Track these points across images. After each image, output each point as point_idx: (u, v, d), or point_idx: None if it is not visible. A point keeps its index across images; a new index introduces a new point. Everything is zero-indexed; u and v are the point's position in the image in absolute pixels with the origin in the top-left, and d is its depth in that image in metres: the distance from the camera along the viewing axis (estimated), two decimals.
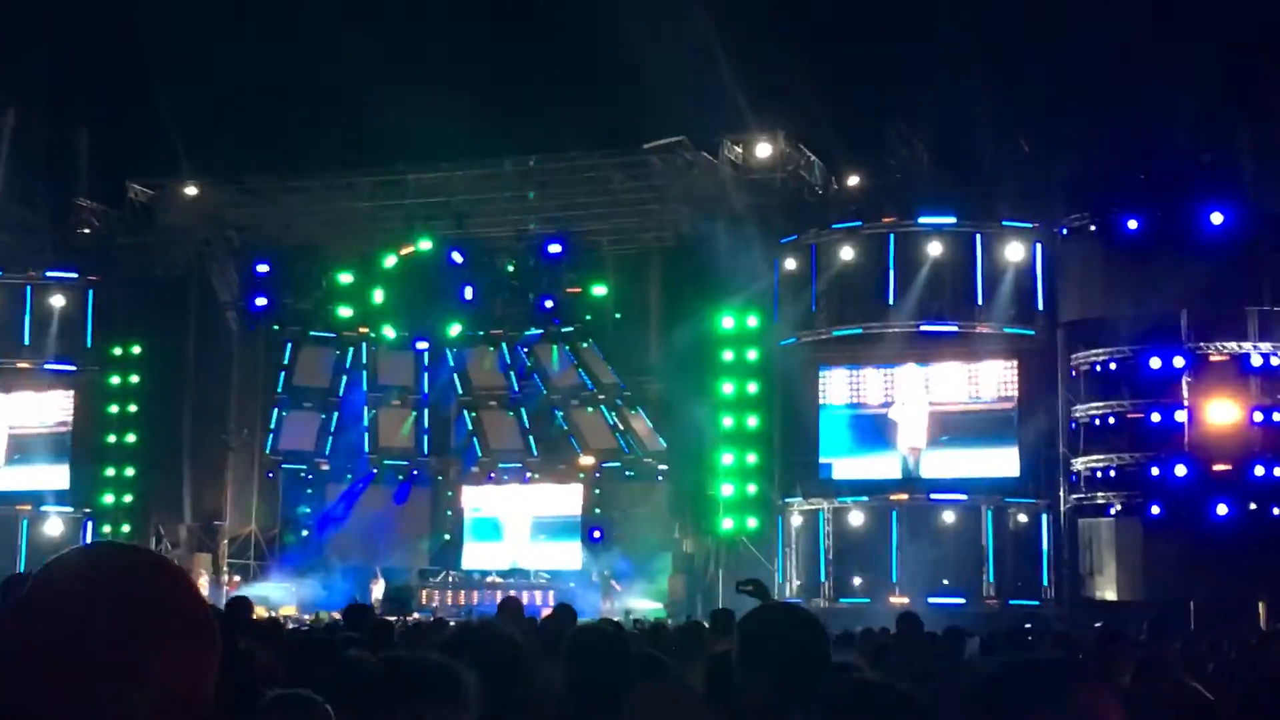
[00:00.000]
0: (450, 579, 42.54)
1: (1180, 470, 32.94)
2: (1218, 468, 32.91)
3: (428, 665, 4.39)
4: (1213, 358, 33.40)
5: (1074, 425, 34.76)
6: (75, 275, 41.62)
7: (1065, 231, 35.30)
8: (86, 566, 2.20)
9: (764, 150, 37.80)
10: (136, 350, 41.21)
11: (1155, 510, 33.21)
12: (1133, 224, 33.79)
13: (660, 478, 41.84)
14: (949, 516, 35.08)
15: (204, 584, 38.57)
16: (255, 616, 25.73)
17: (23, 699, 2.08)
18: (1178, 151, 34.07)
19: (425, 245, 42.18)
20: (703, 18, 36.29)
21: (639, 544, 40.69)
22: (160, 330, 41.40)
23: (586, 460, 44.66)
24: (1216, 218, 32.99)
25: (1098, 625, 25.54)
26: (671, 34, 37.18)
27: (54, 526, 41.14)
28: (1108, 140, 34.36)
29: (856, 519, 35.74)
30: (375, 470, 45.92)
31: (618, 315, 42.91)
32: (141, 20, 42.31)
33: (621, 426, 44.40)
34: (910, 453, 35.83)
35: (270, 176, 41.29)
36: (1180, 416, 33.37)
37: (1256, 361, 33.18)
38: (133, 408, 41.12)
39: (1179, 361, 33.22)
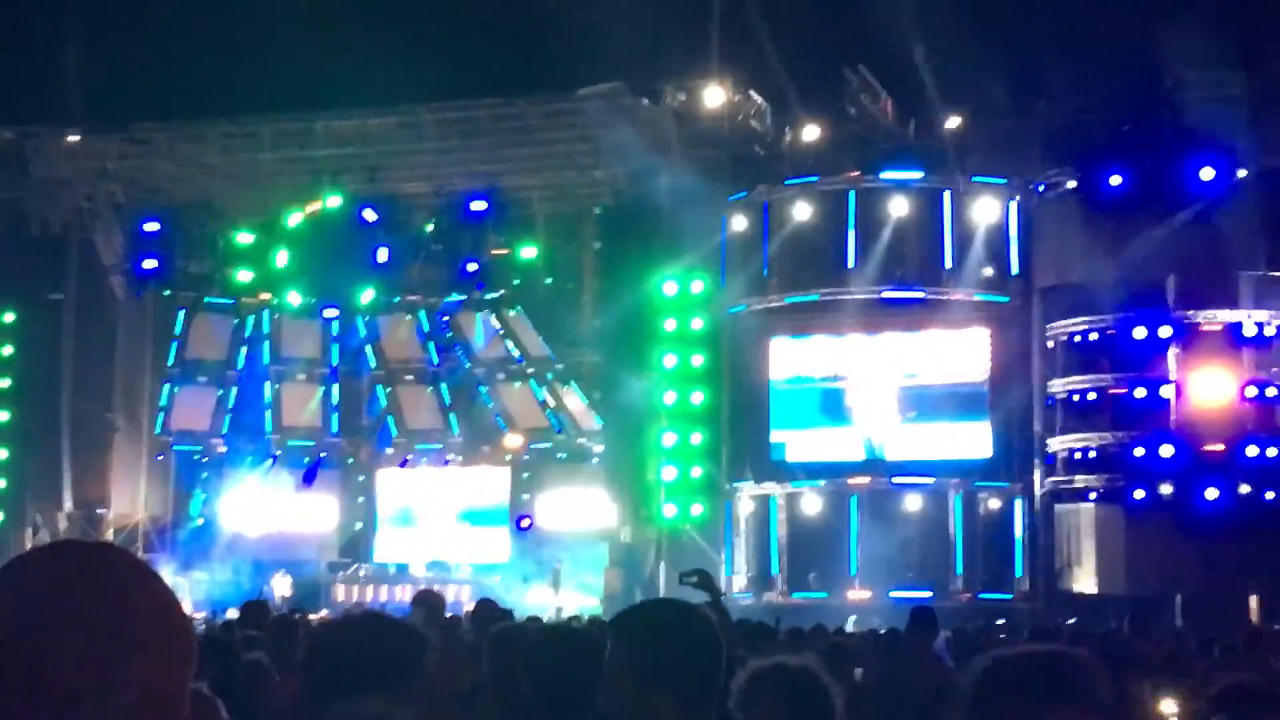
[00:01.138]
0: (362, 573, 42.44)
1: (1166, 451, 33.17)
2: (1207, 448, 33.17)
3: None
4: (1202, 327, 33.66)
5: (1051, 401, 34.96)
6: None
7: (1042, 189, 35.45)
8: (49, 568, 2.22)
9: (711, 98, 37.75)
10: (8, 318, 41.08)
11: (1139, 495, 33.44)
12: (1115, 180, 33.97)
13: (596, 460, 41.85)
14: (914, 502, 35.26)
15: None
16: None
17: None
18: (1165, 102, 34.23)
19: (334, 202, 42.07)
20: None
21: (572, 533, 40.72)
22: (36, 295, 41.25)
23: (514, 441, 44.58)
24: (1206, 174, 33.22)
25: (1071, 621, 25.81)
26: None
27: None
28: (1088, 90, 34.49)
29: (812, 505, 35.84)
30: (278, 452, 45.62)
31: (549, 280, 42.86)
32: None
33: (553, 403, 44.34)
34: (874, 432, 35.91)
35: (161, 123, 40.92)
36: (1166, 392, 33.63)
37: (1249, 331, 33.47)
38: (5, 382, 41.06)
39: (1165, 331, 33.47)
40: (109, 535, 41.79)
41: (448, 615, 12.86)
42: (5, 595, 2.20)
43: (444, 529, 43.88)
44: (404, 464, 45.48)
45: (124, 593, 2.20)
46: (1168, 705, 11.06)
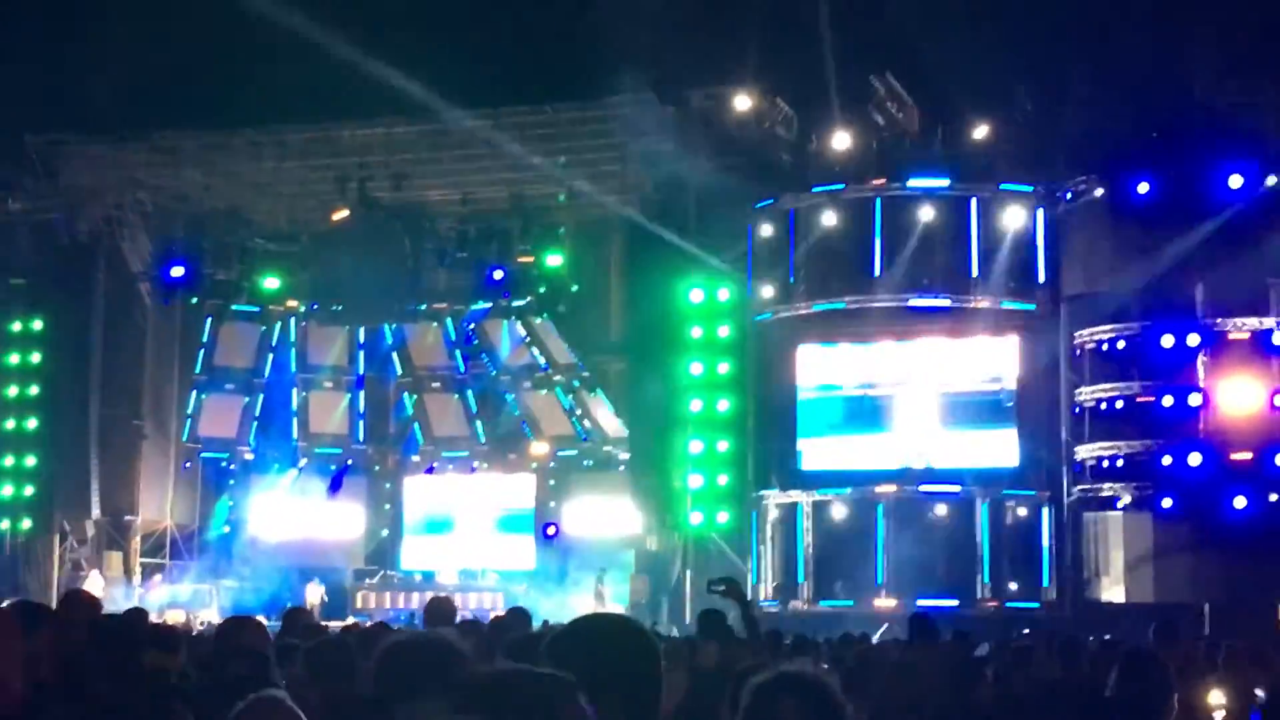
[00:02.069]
0: (389, 580, 42.54)
1: (1195, 459, 33.16)
2: (1236, 456, 33.13)
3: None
4: (1231, 335, 33.65)
5: (1078, 410, 34.92)
6: None
7: (1069, 196, 35.42)
8: None
9: (738, 105, 37.76)
10: (38, 325, 41.27)
11: (1167, 503, 33.42)
12: (1143, 187, 33.98)
13: (622, 467, 41.91)
14: (940, 510, 35.24)
15: (115, 584, 38.60)
16: (171, 623, 25.66)
17: None
18: (1193, 107, 34.20)
19: (361, 209, 42.19)
20: None
21: (598, 541, 40.83)
22: (64, 303, 41.39)
23: (540, 448, 44.70)
24: (1235, 180, 33.20)
25: (1106, 639, 25.76)
26: None
27: None
28: (1116, 95, 34.44)
29: (838, 513, 35.85)
30: (304, 460, 45.80)
31: (575, 287, 42.87)
32: None
33: (579, 411, 44.42)
34: (914, 439, 35.79)
35: (188, 132, 41.02)
36: (1195, 400, 33.61)
37: (1279, 339, 33.40)
38: (34, 390, 41.20)
39: (1193, 339, 33.46)
40: (136, 542, 42.10)
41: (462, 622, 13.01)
42: None
43: (471, 536, 44.00)
44: (430, 471, 45.62)
45: None
46: (1215, 697, 11.25)
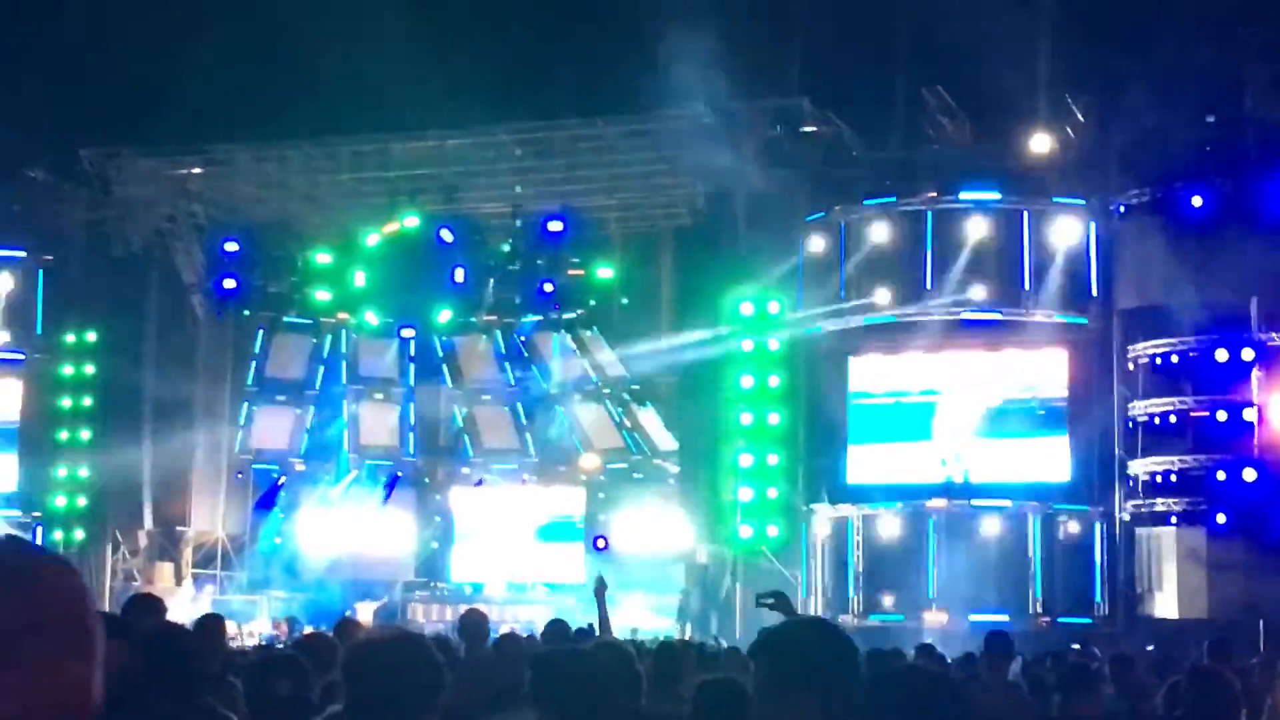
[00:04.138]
0: (438, 592, 42.70)
1: (1249, 475, 33.03)
2: None
3: None
4: None
5: (1131, 424, 34.83)
6: (23, 253, 41.69)
7: (1122, 209, 35.35)
8: None
9: (789, 118, 37.83)
10: (91, 337, 41.30)
11: (1221, 519, 33.30)
12: (1197, 201, 33.89)
13: (671, 480, 41.97)
14: (992, 524, 35.16)
15: (166, 595, 38.77)
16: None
17: None
18: (1247, 120, 34.09)
19: (412, 222, 42.39)
20: None
21: (647, 554, 40.86)
22: (118, 315, 41.52)
23: (590, 461, 44.79)
24: None
25: (1149, 649, 25.71)
26: None
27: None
28: (1169, 108, 34.33)
29: (889, 527, 35.84)
30: (356, 471, 46.01)
31: (625, 300, 43.04)
32: None
33: (629, 424, 44.55)
34: (955, 451, 35.80)
35: (241, 144, 41.24)
36: (1249, 415, 33.51)
37: None
38: (87, 401, 41.26)
39: (1248, 354, 33.34)
40: (188, 553, 42.38)
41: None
42: None
43: (520, 549, 44.11)
44: (479, 484, 45.80)
45: (8, 598, 2.18)
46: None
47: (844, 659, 4.49)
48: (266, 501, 44.48)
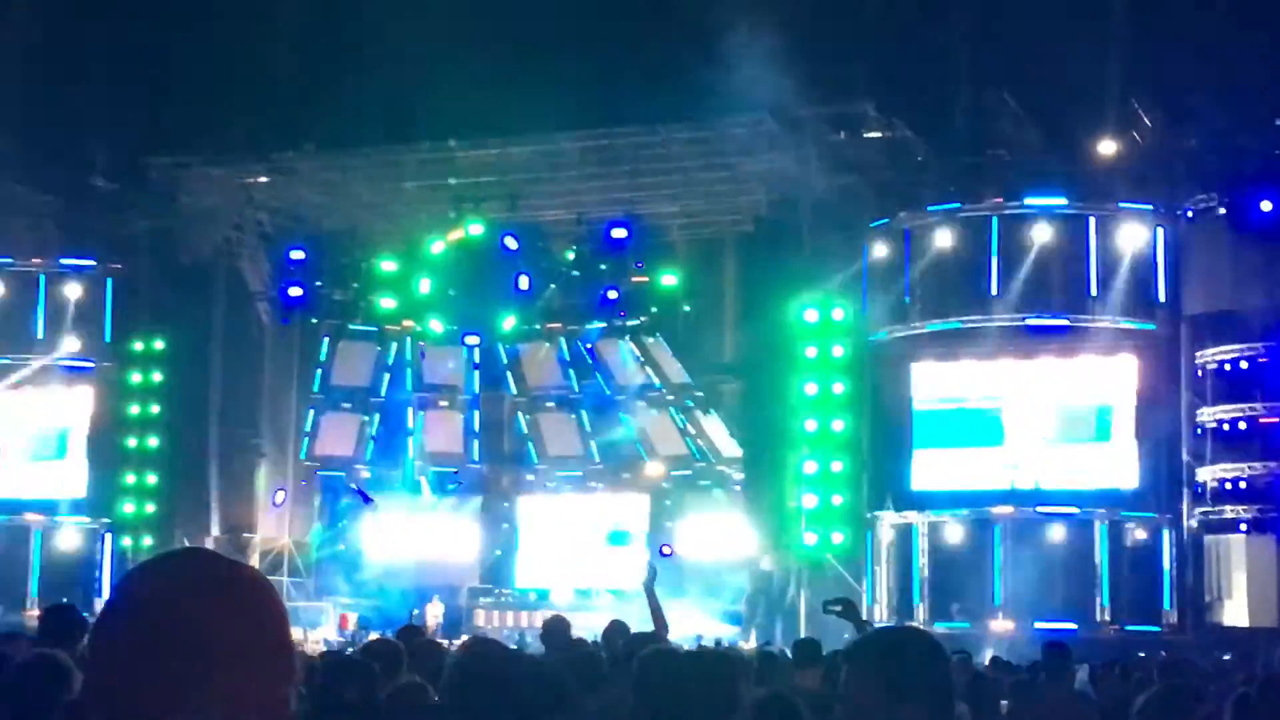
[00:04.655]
0: (503, 598, 42.80)
1: None
2: None
3: None
4: None
5: (1199, 430, 34.59)
6: (93, 263, 42.06)
7: (1190, 214, 35.14)
8: (156, 580, 2.38)
9: (852, 123, 37.74)
10: (159, 345, 41.63)
11: None
12: (1266, 205, 33.64)
13: (736, 487, 41.95)
14: (1058, 531, 34.99)
15: None
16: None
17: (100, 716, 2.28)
18: None
19: (476, 230, 42.48)
20: None
21: (711, 561, 40.86)
22: (185, 323, 41.76)
23: (654, 468, 44.84)
24: None
25: (1226, 658, 25.50)
26: None
27: (69, 539, 41.68)
28: (1237, 112, 34.10)
29: (954, 534, 35.73)
30: (421, 478, 46.22)
31: (688, 307, 43.02)
32: None
33: (693, 430, 44.56)
34: (1024, 457, 35.61)
35: (305, 154, 41.37)
36: None
37: None
38: (155, 408, 41.58)
39: None
40: (255, 560, 42.57)
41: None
42: (111, 612, 2.36)
43: (585, 555, 44.20)
44: (546, 489, 46.02)
45: (200, 613, 2.28)
46: None
47: (946, 668, 4.54)
48: (365, 499, 44.86)
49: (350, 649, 21.27)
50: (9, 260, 42.16)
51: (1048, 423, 35.72)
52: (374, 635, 25.01)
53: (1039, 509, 35.06)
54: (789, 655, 17.07)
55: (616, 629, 13.23)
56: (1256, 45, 33.94)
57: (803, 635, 32.19)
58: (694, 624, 36.35)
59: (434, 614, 38.83)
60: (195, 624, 2.27)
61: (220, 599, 2.32)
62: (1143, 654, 26.08)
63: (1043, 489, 35.26)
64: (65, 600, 16.43)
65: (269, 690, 2.32)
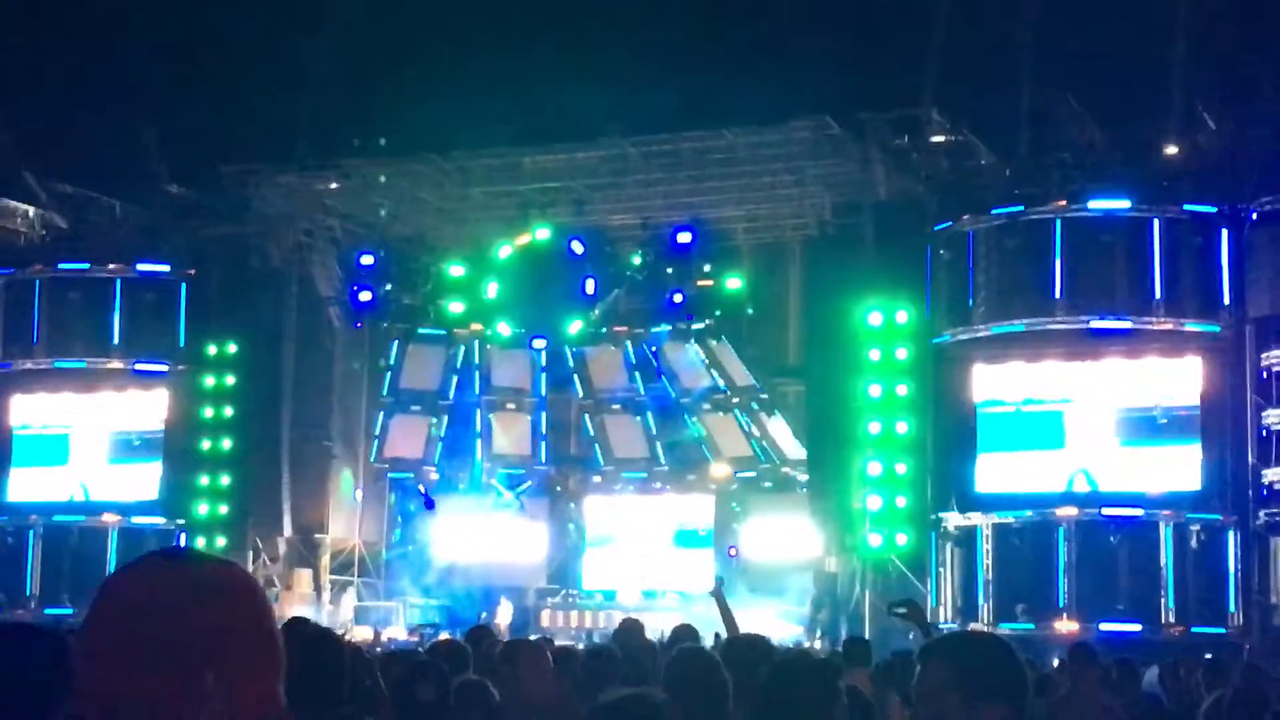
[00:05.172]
0: (570, 599, 43.03)
1: None
2: None
3: None
4: None
5: (1265, 432, 34.45)
6: (168, 269, 42.47)
7: (1255, 216, 34.95)
8: (143, 582, 2.39)
9: (915, 127, 37.81)
10: (232, 349, 41.91)
11: None
12: None
13: (801, 489, 42.04)
14: (1123, 533, 34.86)
15: (305, 602, 39.53)
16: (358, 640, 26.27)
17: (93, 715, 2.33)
18: None
19: (543, 235, 42.79)
20: None
21: (776, 562, 41.00)
22: (257, 327, 42.19)
23: (720, 470, 44.98)
24: None
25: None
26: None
27: (145, 540, 41.98)
28: None
29: (1019, 535, 35.66)
30: (489, 480, 46.52)
31: (752, 310, 43.17)
32: None
33: (758, 432, 44.69)
34: (1088, 459, 35.54)
35: (375, 160, 41.79)
36: None
37: None
38: (228, 411, 41.88)
39: None
40: (325, 560, 43.05)
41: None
42: (99, 611, 2.36)
43: (652, 556, 44.38)
44: (613, 491, 46.21)
45: (190, 614, 2.29)
46: None
47: (1021, 668, 4.69)
48: (428, 504, 45.20)
49: (419, 649, 21.58)
50: (85, 266, 42.56)
51: (1110, 424, 35.65)
52: (444, 635, 25.33)
53: (1103, 511, 34.98)
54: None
55: (682, 633, 13.39)
56: None
57: (867, 636, 32.34)
58: (759, 626, 36.43)
59: (504, 615, 39.10)
60: (185, 625, 2.27)
61: (208, 598, 2.33)
62: (1209, 655, 26.10)
63: (1107, 491, 35.18)
64: None
65: (261, 687, 2.34)
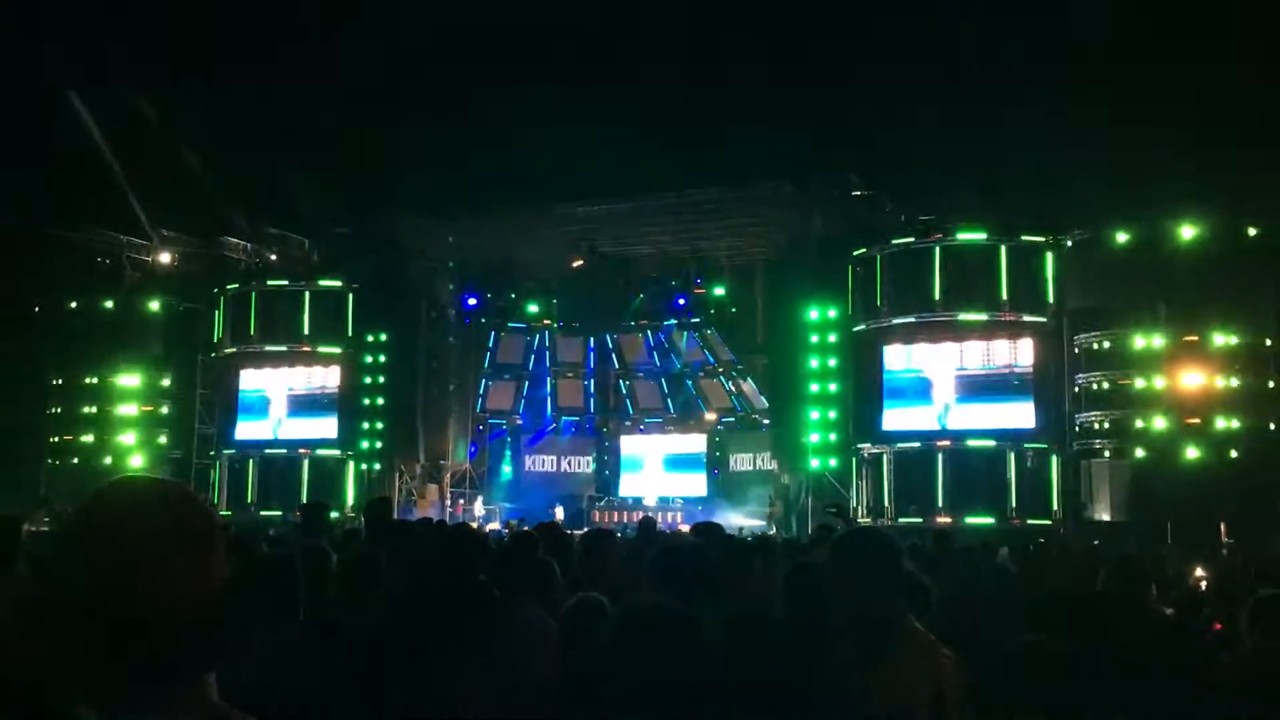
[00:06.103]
0: (611, 503, 43.29)
1: (1159, 423, 32.52)
2: (1188, 421, 32.37)
3: None
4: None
5: (1076, 389, 34.38)
6: (339, 284, 42.42)
7: (1070, 244, 34.79)
8: (107, 501, 2.13)
9: (842, 186, 37.75)
10: (384, 337, 41.73)
11: (1139, 454, 32.82)
12: (1120, 238, 33.45)
13: (764, 429, 42.17)
14: (980, 457, 34.74)
15: (433, 506, 39.76)
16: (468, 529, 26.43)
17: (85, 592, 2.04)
18: None
19: (590, 259, 42.97)
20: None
21: (748, 477, 41.21)
22: (400, 323, 41.98)
23: (710, 416, 45.23)
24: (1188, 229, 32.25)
25: (1095, 543, 25.47)
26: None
27: (326, 465, 42.20)
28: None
29: (910, 459, 35.59)
30: (555, 424, 46.87)
31: (733, 309, 43.29)
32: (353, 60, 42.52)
33: (735, 391, 44.89)
34: (942, 408, 35.40)
35: (481, 210, 41.54)
36: (1159, 383, 32.99)
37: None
38: (381, 379, 41.70)
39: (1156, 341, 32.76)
40: (447, 478, 43.16)
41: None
42: (83, 521, 2.09)
43: (662, 474, 44.68)
44: (639, 431, 46.16)
45: (166, 515, 2.07)
46: None
47: (890, 545, 4.61)
48: (536, 438, 45.24)
49: (506, 533, 21.83)
50: (285, 282, 42.63)
51: (972, 384, 35.27)
52: (526, 528, 25.50)
53: (969, 442, 34.79)
54: (804, 540, 17.42)
55: (644, 524, 13.13)
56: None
57: (810, 527, 32.52)
58: (736, 520, 36.69)
59: (559, 514, 39.25)
60: (149, 527, 2.06)
61: (167, 507, 2.10)
62: (1041, 539, 26.16)
63: (971, 429, 34.88)
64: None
65: (204, 572, 2.08)
